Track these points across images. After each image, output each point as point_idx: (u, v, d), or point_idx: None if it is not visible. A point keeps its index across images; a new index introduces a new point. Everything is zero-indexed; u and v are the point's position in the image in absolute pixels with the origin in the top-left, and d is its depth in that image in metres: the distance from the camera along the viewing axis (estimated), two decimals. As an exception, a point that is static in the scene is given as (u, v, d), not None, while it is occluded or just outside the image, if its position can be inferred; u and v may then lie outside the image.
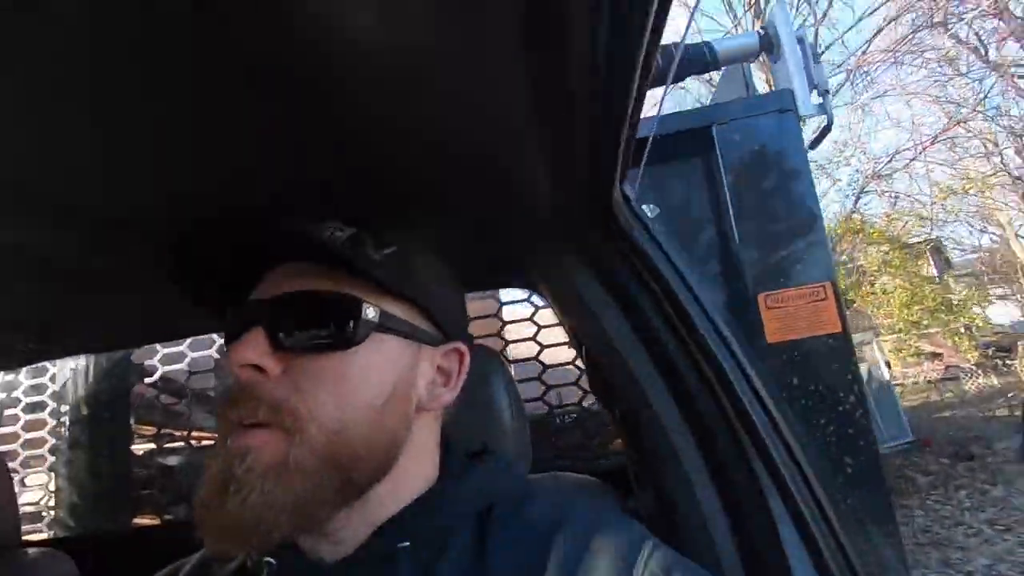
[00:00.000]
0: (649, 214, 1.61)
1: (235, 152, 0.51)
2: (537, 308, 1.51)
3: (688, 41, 1.61)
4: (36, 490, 1.56)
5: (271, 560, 0.49)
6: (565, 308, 0.93)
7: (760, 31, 1.53)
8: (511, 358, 1.53)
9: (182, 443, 1.65)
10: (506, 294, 1.55)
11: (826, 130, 1.88)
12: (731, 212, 1.40)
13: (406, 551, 0.47)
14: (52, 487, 1.56)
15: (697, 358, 0.79)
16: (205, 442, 1.65)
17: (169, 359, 1.72)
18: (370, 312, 0.49)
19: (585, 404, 1.48)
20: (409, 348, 0.53)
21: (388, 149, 0.52)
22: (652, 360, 0.84)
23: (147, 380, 1.74)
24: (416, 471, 0.54)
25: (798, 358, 1.34)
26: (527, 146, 0.52)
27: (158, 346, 1.74)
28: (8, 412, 1.66)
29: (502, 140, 0.51)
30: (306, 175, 0.56)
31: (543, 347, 1.49)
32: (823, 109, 1.61)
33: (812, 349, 1.35)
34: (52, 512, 1.55)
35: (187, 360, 1.65)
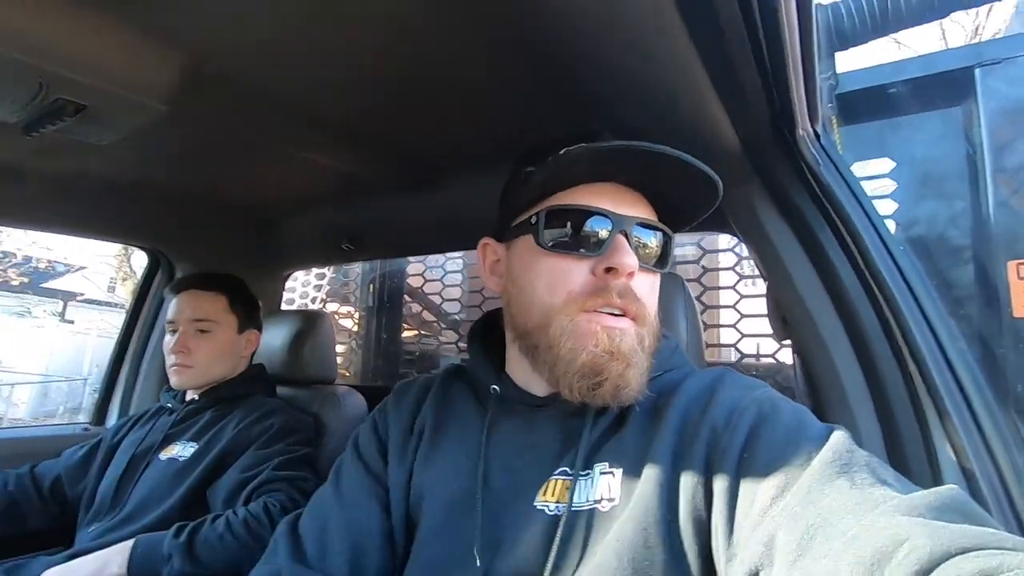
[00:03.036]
0: (885, 168, 1.51)
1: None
2: (740, 259, 1.54)
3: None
4: (340, 355, 2.21)
5: (496, 387, 0.68)
6: (754, 245, 1.00)
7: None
8: (707, 303, 1.60)
9: (432, 340, 2.14)
10: (711, 242, 1.61)
11: None
12: (987, 168, 1.23)
13: None
14: (351, 353, 2.20)
15: (878, 300, 0.81)
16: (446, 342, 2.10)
17: (430, 276, 2.20)
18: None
19: (779, 358, 1.48)
20: None
21: (599, 98, 0.70)
22: (830, 298, 0.87)
23: (409, 292, 2.27)
24: None
25: (1055, 339, 1.15)
26: (698, 80, 0.64)
27: (426, 267, 2.24)
28: (329, 300, 2.35)
29: (674, 76, 0.64)
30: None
31: (742, 296, 1.53)
32: None
33: (1080, 332, 1.14)
34: (351, 367, 2.18)
35: (443, 276, 2.12)
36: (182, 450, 1.30)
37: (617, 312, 0.61)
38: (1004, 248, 1.23)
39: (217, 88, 0.77)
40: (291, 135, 0.97)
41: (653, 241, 0.66)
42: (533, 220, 0.65)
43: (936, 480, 0.70)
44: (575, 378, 0.60)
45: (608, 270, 0.61)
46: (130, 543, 1.06)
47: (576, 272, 0.62)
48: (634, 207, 0.65)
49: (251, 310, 1.48)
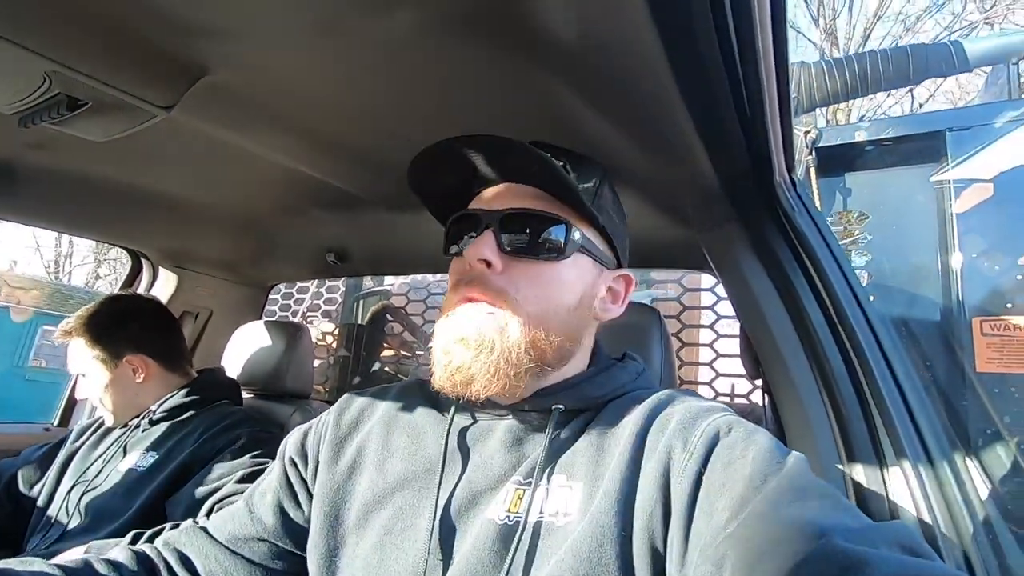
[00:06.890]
0: (858, 218, 1.56)
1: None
2: (719, 299, 1.57)
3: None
4: (317, 371, 2.20)
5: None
6: (730, 284, 1.02)
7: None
8: (685, 340, 1.63)
9: (412, 361, 2.14)
10: (692, 280, 1.64)
11: None
12: (956, 225, 1.29)
13: (559, 411, 0.63)
14: (327, 368, 2.19)
15: (843, 340, 0.83)
16: (424, 364, 2.10)
17: (413, 297, 2.21)
18: (576, 235, 0.65)
19: (753, 398, 1.50)
20: (595, 267, 0.68)
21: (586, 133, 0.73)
22: (800, 340, 0.89)
23: (392, 311, 2.27)
24: (576, 363, 0.69)
25: (1016, 394, 1.19)
26: (680, 120, 0.67)
27: (410, 288, 2.25)
28: (312, 315, 2.35)
29: (656, 113, 0.67)
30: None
31: (719, 336, 1.56)
32: None
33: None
34: (327, 383, 2.16)
35: (426, 297, 2.13)
36: (141, 460, 1.25)
37: (471, 301, 0.62)
38: (969, 303, 1.28)
39: (215, 97, 0.78)
40: (284, 147, 0.99)
41: (529, 229, 0.64)
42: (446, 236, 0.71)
43: (892, 520, 0.71)
44: (442, 371, 0.62)
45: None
46: (82, 548, 1.02)
47: (455, 271, 0.66)
48: (513, 200, 0.65)
49: (115, 337, 1.31)
